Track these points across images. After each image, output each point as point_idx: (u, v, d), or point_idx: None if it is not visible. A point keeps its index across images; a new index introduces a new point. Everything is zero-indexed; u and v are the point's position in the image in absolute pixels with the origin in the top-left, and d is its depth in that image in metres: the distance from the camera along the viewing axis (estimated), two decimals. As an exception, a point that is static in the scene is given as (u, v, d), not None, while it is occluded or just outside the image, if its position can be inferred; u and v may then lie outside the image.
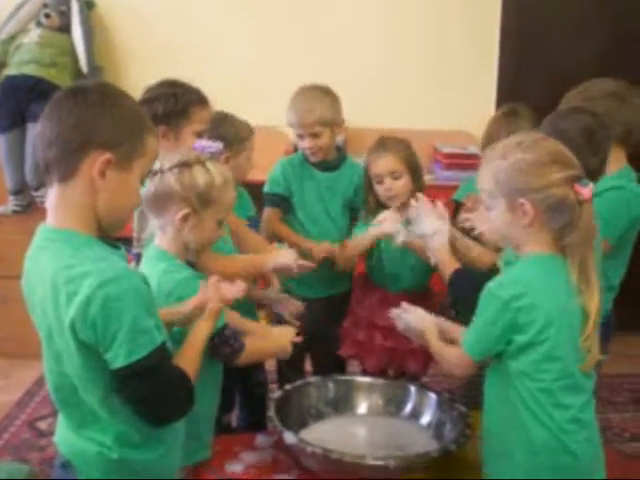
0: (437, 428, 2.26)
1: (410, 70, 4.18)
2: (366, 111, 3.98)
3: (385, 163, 2.56)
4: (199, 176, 1.91)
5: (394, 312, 2.14)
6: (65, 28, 3.73)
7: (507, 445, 1.75)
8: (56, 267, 1.44)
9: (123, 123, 1.50)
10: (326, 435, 2.21)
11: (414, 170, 2.60)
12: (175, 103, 2.29)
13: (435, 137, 4.08)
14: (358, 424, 2.32)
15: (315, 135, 2.67)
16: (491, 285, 1.72)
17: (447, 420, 2.24)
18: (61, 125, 1.46)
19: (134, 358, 1.43)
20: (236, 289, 1.88)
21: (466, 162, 3.77)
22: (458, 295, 2.17)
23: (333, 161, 2.80)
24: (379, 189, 2.58)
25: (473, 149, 3.91)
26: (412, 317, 2.07)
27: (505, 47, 4.20)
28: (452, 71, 4.20)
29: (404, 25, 4.15)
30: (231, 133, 2.49)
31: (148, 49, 4.01)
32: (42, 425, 3.12)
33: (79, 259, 1.43)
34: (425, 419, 2.30)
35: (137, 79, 3.96)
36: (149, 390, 1.47)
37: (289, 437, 2.02)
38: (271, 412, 2.13)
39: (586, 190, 1.67)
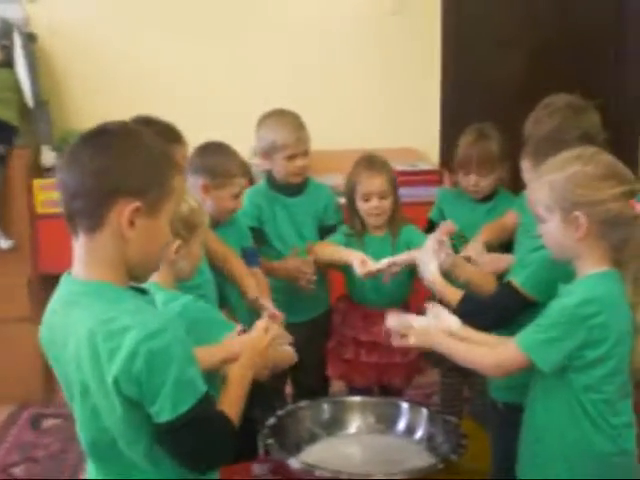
0: (429, 441, 2.30)
1: (354, 91, 4.25)
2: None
3: (376, 183, 2.64)
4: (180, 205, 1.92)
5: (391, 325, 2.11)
6: (8, 63, 3.65)
7: (564, 451, 1.79)
8: (93, 322, 1.37)
9: (150, 167, 1.43)
10: (322, 457, 2.22)
11: (396, 190, 2.68)
12: None
13: (385, 155, 4.13)
14: (352, 444, 2.35)
15: (306, 152, 2.73)
16: (567, 301, 1.73)
17: (438, 433, 2.29)
18: (84, 174, 1.38)
19: (180, 411, 1.38)
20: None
21: (418, 179, 3.85)
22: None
23: (298, 185, 2.83)
24: (364, 206, 2.66)
25: (423, 165, 4.01)
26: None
27: (447, 66, 4.33)
28: (397, 91, 4.28)
29: (348, 47, 4.21)
30: (218, 164, 2.49)
31: (94, 80, 3.97)
32: (16, 471, 3.04)
33: (117, 313, 1.38)
34: (417, 434, 2.34)
35: (84, 112, 3.96)
36: (195, 441, 1.42)
37: (294, 462, 2.03)
38: (269, 440, 2.14)
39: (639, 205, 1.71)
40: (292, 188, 2.81)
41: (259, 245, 2.75)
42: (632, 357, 1.76)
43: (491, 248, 2.60)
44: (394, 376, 2.73)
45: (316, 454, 2.23)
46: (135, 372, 1.35)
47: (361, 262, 2.55)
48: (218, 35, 4.09)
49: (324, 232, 2.85)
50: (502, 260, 2.46)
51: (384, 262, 2.57)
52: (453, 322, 2.00)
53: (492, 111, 4.13)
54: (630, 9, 4.48)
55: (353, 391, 2.75)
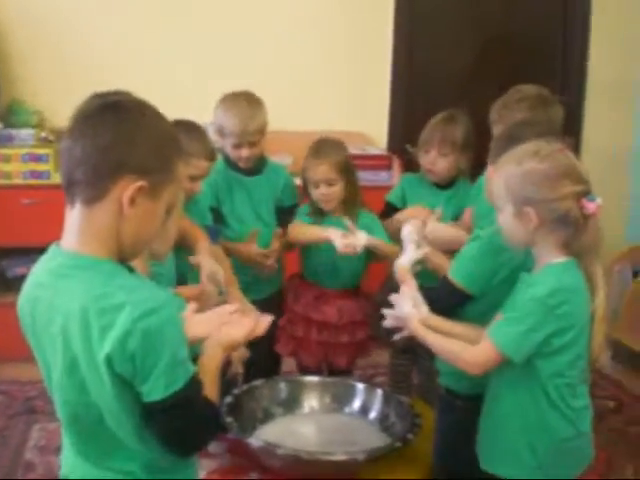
0: (383, 421, 2.36)
1: (308, 74, 4.28)
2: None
3: (321, 171, 2.66)
4: None
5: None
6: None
7: (527, 436, 1.84)
8: (85, 297, 1.34)
9: (160, 147, 1.40)
10: (277, 436, 2.25)
11: (348, 175, 2.71)
12: None
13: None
14: (307, 423, 2.38)
15: (254, 143, 2.71)
16: (536, 291, 1.75)
17: (392, 413, 2.35)
18: (94, 144, 1.35)
19: (171, 391, 1.36)
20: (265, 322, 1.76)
21: (368, 163, 3.90)
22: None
23: (256, 164, 2.83)
24: (314, 193, 2.68)
25: (373, 150, 4.05)
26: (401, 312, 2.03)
27: (398, 55, 4.39)
28: (349, 76, 4.34)
29: (301, 31, 4.25)
30: None
31: (42, 49, 3.89)
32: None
33: (111, 288, 1.34)
34: (372, 414, 2.39)
35: (31, 82, 3.89)
36: (183, 422, 1.40)
37: (254, 441, 2.06)
38: (228, 418, 2.15)
39: (592, 205, 1.74)
40: (247, 168, 2.81)
41: (217, 224, 2.75)
42: (590, 345, 1.82)
43: None
44: (339, 355, 2.78)
45: (272, 433, 2.25)
46: (129, 350, 1.32)
47: (342, 236, 2.57)
48: (180, 18, 4.09)
49: (282, 213, 2.86)
50: (446, 231, 2.49)
51: (362, 239, 2.58)
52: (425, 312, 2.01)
53: (440, 98, 4.21)
54: (575, 11, 4.61)
55: (303, 370, 2.80)
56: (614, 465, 3.03)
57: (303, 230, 2.73)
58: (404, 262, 2.23)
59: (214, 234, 2.60)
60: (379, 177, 3.92)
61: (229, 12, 4.13)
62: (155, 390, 1.36)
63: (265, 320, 1.76)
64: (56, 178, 3.61)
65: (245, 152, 2.72)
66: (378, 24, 4.33)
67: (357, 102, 4.34)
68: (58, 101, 3.86)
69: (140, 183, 1.37)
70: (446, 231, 2.48)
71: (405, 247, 2.30)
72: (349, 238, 2.58)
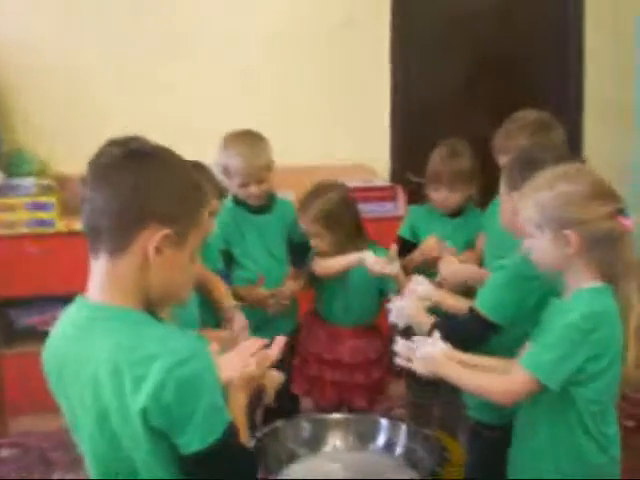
0: (409, 456, 2.31)
1: (304, 107, 4.27)
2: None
3: (304, 223, 2.67)
4: None
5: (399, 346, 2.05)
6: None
7: (558, 464, 1.81)
8: (115, 349, 1.31)
9: (184, 194, 1.39)
10: (303, 476, 2.22)
11: (335, 224, 2.69)
12: None
13: (337, 172, 4.12)
14: (332, 461, 2.34)
15: (261, 180, 2.69)
16: (570, 317, 1.73)
17: (418, 447, 2.30)
18: (118, 192, 1.33)
19: (210, 441, 1.32)
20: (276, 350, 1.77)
21: (372, 195, 3.90)
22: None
23: (266, 203, 2.82)
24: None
25: (377, 181, 4.05)
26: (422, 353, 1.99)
27: (396, 85, 4.40)
28: (346, 107, 4.33)
29: (298, 61, 4.25)
30: None
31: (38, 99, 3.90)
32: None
33: (141, 339, 1.32)
34: (397, 450, 2.35)
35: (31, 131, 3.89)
36: (224, 471, 1.37)
37: (283, 482, 2.02)
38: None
39: (628, 222, 1.73)
40: (258, 207, 2.80)
41: (229, 266, 2.73)
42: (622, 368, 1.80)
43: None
44: (357, 396, 2.74)
45: (297, 473, 2.22)
46: (164, 402, 1.29)
47: (374, 258, 2.56)
48: (167, 49, 4.06)
49: (295, 249, 2.85)
50: (462, 270, 2.49)
51: (396, 266, 2.56)
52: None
53: (438, 125, 4.24)
54: (569, 31, 4.64)
55: (321, 410, 2.75)
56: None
57: (329, 264, 2.70)
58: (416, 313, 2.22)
59: (224, 279, 2.59)
60: (385, 208, 3.91)
61: (226, 48, 4.13)
62: (194, 441, 1.32)
63: (279, 342, 1.76)
64: (61, 226, 3.60)
65: (254, 189, 2.71)
66: (375, 55, 4.34)
67: (357, 134, 4.33)
68: (59, 148, 3.89)
69: (166, 231, 1.35)
70: (466, 270, 2.46)
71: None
72: (380, 260, 2.55)
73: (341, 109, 4.33)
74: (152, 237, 1.34)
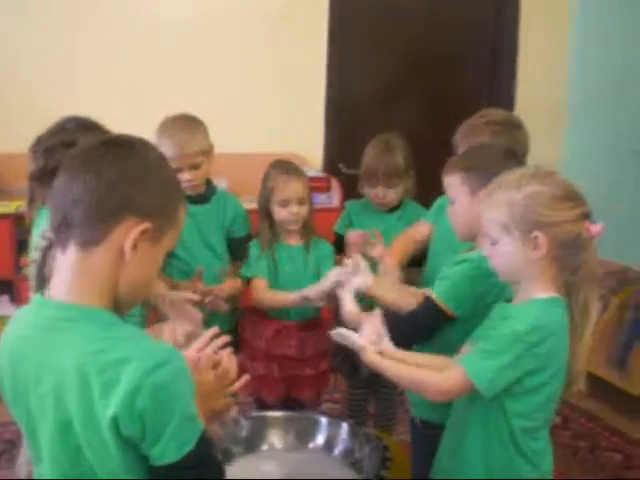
0: (349, 456, 2.27)
1: (239, 95, 4.20)
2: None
3: (295, 189, 2.59)
4: None
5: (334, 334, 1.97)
6: None
7: (487, 473, 1.77)
8: (82, 353, 1.21)
9: (164, 188, 1.32)
10: (239, 476, 2.15)
11: (311, 197, 2.67)
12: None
13: (270, 161, 4.09)
14: (270, 461, 2.28)
15: (195, 166, 2.59)
16: (516, 327, 1.66)
17: (358, 447, 2.26)
18: (97, 181, 1.24)
19: (185, 450, 1.24)
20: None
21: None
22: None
23: (204, 193, 2.72)
24: (281, 212, 2.60)
25: (311, 172, 3.97)
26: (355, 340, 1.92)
27: (332, 78, 4.35)
28: (284, 98, 4.28)
29: (235, 52, 4.19)
30: None
31: None
32: None
33: (112, 342, 1.22)
34: (337, 449, 2.30)
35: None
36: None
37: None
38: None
39: (596, 227, 1.66)
40: (196, 196, 2.69)
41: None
42: (572, 364, 1.73)
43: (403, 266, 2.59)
44: (303, 389, 2.69)
45: (233, 474, 2.15)
46: (138, 409, 1.19)
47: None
48: (105, 39, 3.97)
49: (233, 244, 2.76)
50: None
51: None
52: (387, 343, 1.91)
53: (371, 117, 4.23)
54: (503, 28, 4.68)
55: (262, 406, 2.69)
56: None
57: (272, 298, 2.62)
58: (349, 310, 2.15)
59: None
60: (318, 200, 3.84)
61: (157, 36, 4.03)
62: (168, 452, 1.23)
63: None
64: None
65: (186, 175, 2.59)
66: (311, 45, 4.30)
67: (291, 124, 4.28)
68: None
69: (145, 225, 1.26)
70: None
71: (342, 296, 2.22)
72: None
73: (277, 99, 4.29)
74: (130, 231, 1.26)
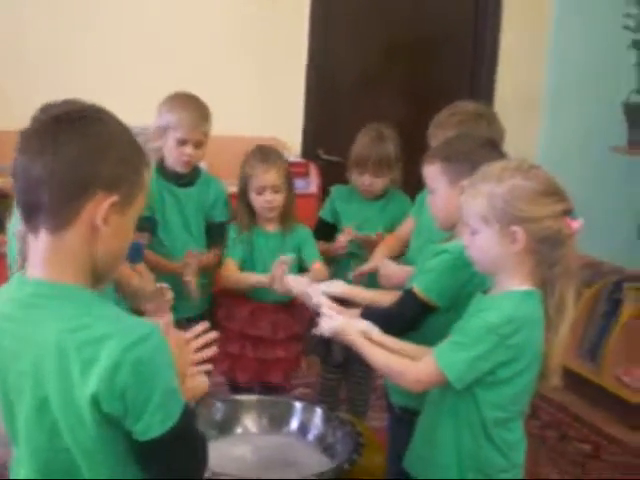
0: (322, 441, 2.28)
1: (212, 78, 4.14)
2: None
3: (269, 176, 2.58)
4: None
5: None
6: None
7: (459, 462, 1.79)
8: (62, 330, 1.20)
9: (126, 157, 1.27)
10: (212, 459, 2.14)
11: (290, 183, 2.62)
12: None
13: (250, 144, 4.07)
14: (243, 444, 2.28)
15: (199, 144, 2.62)
16: (489, 319, 1.67)
17: (331, 432, 2.27)
18: (57, 161, 1.20)
19: (169, 425, 1.23)
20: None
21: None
22: None
23: (190, 175, 2.72)
24: (258, 200, 2.60)
25: (289, 157, 3.96)
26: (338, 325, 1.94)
27: (313, 62, 4.34)
28: (265, 82, 4.25)
29: (215, 33, 4.15)
30: None
31: None
32: None
33: (91, 319, 1.21)
34: (311, 433, 2.31)
35: None
36: (185, 455, 1.28)
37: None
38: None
39: (576, 224, 1.67)
40: (182, 178, 2.69)
41: (150, 235, 2.62)
42: (547, 359, 1.74)
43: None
44: (274, 371, 2.70)
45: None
46: (119, 386, 1.18)
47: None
48: (91, 24, 3.92)
49: (212, 228, 2.76)
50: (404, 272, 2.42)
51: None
52: (366, 326, 1.93)
53: (350, 103, 4.23)
54: (487, 17, 4.69)
55: (235, 388, 2.70)
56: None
57: (239, 278, 2.63)
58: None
59: (136, 251, 2.40)
60: (297, 185, 3.81)
61: (140, 20, 4.00)
62: (152, 427, 1.22)
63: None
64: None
65: (189, 150, 2.62)
66: (293, 29, 4.28)
67: (271, 108, 4.25)
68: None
69: (113, 198, 1.24)
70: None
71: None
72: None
73: (257, 83, 4.25)
74: (98, 206, 1.24)
